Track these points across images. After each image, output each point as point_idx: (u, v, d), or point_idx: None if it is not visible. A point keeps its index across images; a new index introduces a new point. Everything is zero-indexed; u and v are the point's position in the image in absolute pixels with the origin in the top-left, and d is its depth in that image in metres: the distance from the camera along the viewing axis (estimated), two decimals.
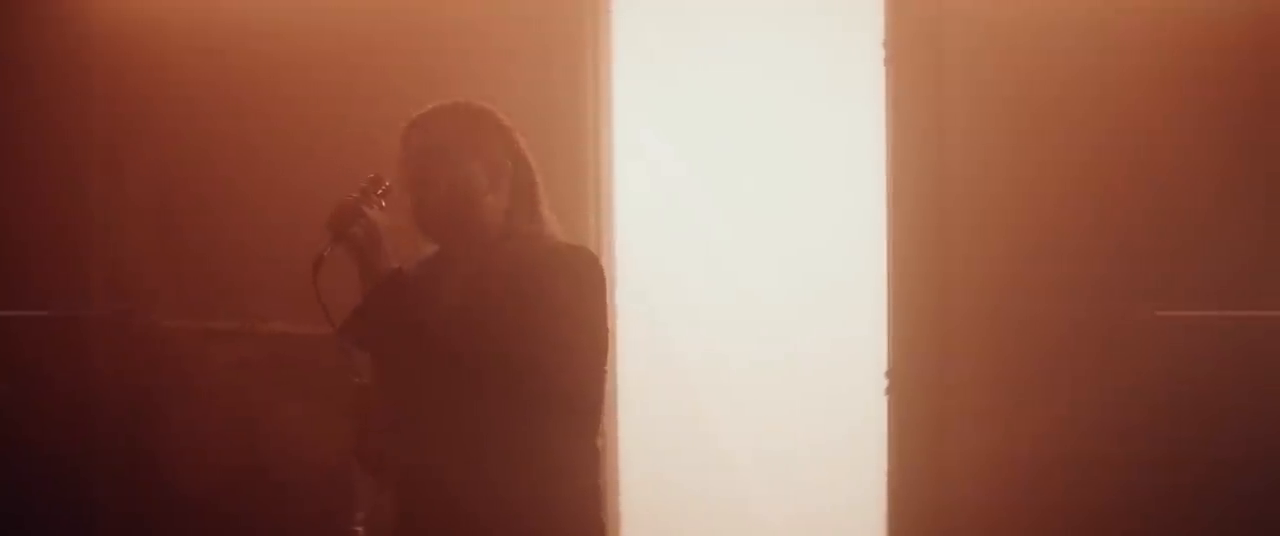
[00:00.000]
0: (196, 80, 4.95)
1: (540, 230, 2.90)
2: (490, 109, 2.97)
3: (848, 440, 4.82)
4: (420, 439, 2.74)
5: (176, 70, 4.96)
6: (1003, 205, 4.48)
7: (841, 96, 4.80)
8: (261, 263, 4.80)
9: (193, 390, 4.72)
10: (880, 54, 4.56)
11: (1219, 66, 4.34)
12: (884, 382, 4.48)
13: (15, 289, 4.96)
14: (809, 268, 4.86)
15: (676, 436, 5.05)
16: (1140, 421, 4.38)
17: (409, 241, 2.97)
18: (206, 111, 4.95)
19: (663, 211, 5.04)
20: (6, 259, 4.98)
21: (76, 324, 4.89)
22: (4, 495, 4.80)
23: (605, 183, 4.70)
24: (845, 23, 4.77)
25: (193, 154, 4.97)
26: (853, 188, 4.79)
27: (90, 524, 4.85)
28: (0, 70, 5.06)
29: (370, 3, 4.85)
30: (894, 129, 4.53)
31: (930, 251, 4.51)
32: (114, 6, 5.02)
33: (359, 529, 3.14)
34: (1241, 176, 4.31)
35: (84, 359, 4.89)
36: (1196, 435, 4.28)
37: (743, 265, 4.98)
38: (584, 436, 2.81)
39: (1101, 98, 4.43)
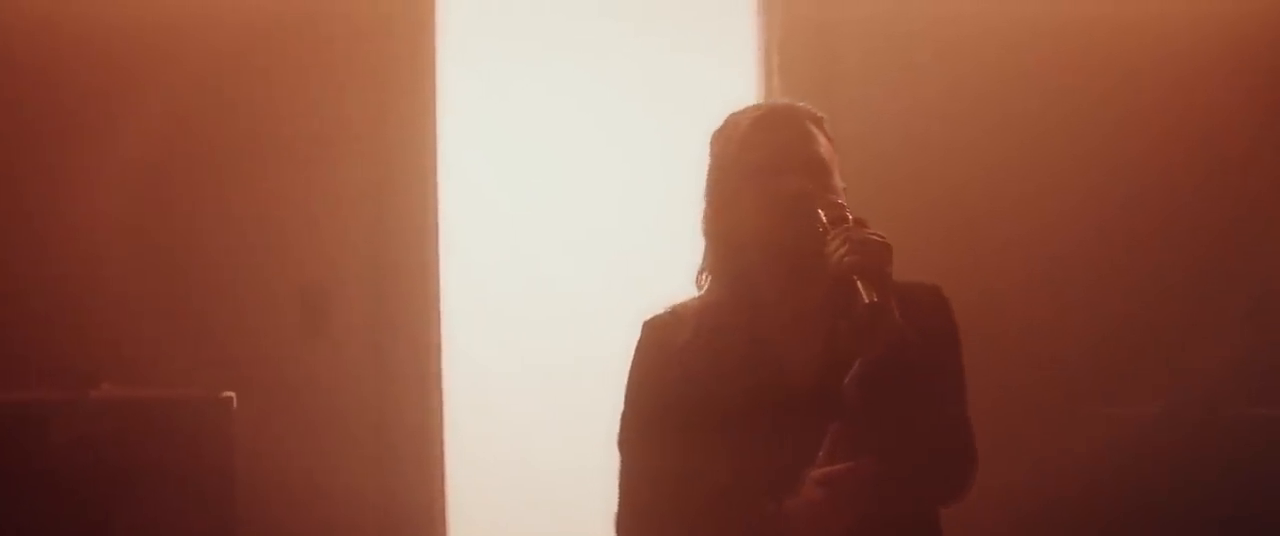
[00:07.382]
0: None
1: None
2: None
3: None
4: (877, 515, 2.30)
5: None
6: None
7: (706, 101, 4.62)
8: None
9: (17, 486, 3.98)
10: (754, 60, 4.47)
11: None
12: None
13: None
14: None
15: (506, 445, 4.81)
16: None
17: None
18: None
19: (493, 224, 4.78)
20: None
21: None
22: None
23: (430, 192, 4.47)
24: (713, 26, 4.59)
25: None
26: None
27: None
28: None
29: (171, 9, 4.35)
30: None
31: None
32: None
33: None
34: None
35: None
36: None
37: (571, 277, 4.78)
38: None
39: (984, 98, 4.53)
